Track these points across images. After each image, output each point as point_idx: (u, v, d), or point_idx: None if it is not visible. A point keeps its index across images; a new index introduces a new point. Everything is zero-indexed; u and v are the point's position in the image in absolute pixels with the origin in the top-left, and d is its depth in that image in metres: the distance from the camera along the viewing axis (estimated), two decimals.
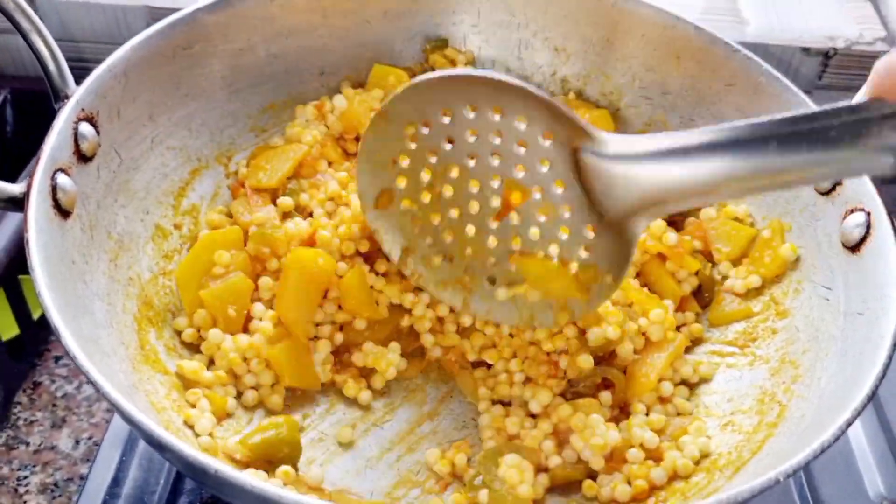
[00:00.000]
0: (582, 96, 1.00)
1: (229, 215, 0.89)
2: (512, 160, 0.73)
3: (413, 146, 0.76)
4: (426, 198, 0.78)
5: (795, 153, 0.56)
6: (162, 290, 0.83)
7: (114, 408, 0.58)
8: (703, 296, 0.88)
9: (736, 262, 0.87)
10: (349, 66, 0.99)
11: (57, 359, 0.98)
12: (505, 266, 0.77)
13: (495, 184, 0.74)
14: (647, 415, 0.79)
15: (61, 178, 0.72)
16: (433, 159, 0.76)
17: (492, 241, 0.77)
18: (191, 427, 0.73)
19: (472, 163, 0.75)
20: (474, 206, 0.76)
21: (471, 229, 0.77)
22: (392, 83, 0.95)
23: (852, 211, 0.77)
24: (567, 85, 1.01)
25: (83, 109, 0.76)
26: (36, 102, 0.91)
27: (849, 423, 0.60)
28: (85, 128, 0.76)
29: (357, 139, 0.95)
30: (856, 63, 1.09)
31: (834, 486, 0.84)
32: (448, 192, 0.77)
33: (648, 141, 0.65)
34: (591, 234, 0.72)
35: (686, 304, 0.87)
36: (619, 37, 0.96)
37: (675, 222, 0.91)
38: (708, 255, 0.89)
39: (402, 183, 0.78)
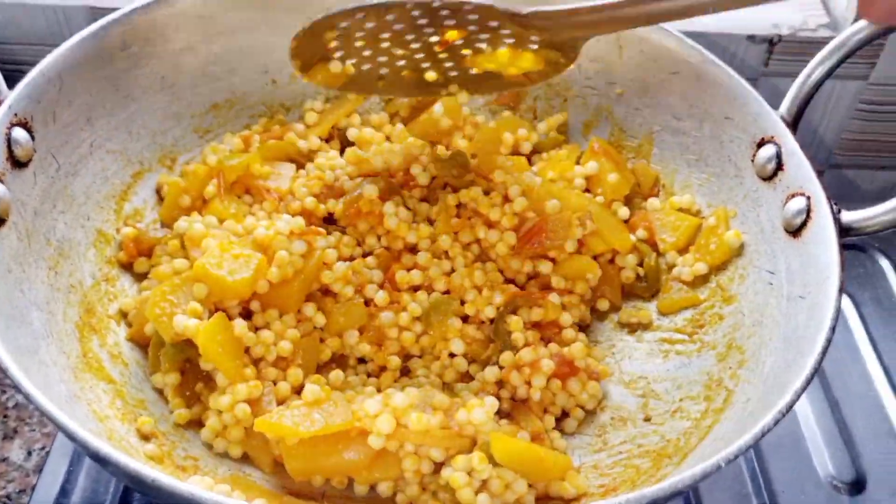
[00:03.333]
0: (527, 89, 1.00)
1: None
2: (439, 21, 0.82)
3: (338, 35, 0.83)
4: (364, 49, 0.85)
5: None
6: (105, 297, 0.81)
7: (49, 419, 0.57)
8: (648, 284, 0.89)
9: (682, 251, 0.88)
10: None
11: None
12: (464, 66, 0.86)
13: (429, 30, 0.82)
14: None
15: None
16: (360, 33, 0.82)
17: (443, 56, 0.85)
18: (145, 437, 0.72)
19: (399, 26, 0.82)
20: (414, 44, 0.84)
21: (419, 55, 0.85)
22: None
23: (793, 196, 0.78)
24: None
25: (16, 114, 0.75)
26: None
27: (789, 407, 0.60)
28: (18, 133, 0.74)
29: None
30: (800, 49, 1.10)
31: (784, 468, 0.86)
32: (385, 44, 0.84)
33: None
34: (536, 41, 0.82)
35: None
36: None
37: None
38: (654, 245, 0.90)
39: (336, 51, 0.85)
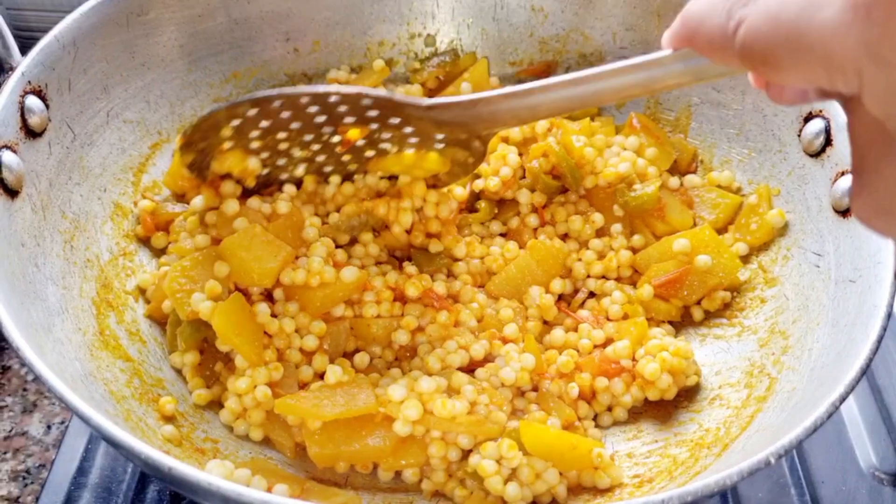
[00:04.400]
0: (561, 58, 0.96)
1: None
2: (338, 118, 0.74)
3: (231, 136, 0.75)
4: (262, 151, 0.77)
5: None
6: (123, 272, 0.79)
7: (61, 401, 0.54)
8: None
9: (721, 231, 0.84)
10: (315, 31, 0.94)
11: None
12: (368, 170, 0.81)
13: (328, 129, 0.75)
14: None
15: (7, 156, 0.68)
16: (255, 133, 0.74)
17: (346, 158, 0.79)
18: (165, 418, 0.70)
19: (296, 125, 0.74)
20: (314, 145, 0.77)
21: (321, 157, 0.78)
22: None
23: (843, 173, 0.74)
24: (545, 47, 0.96)
25: (30, 82, 0.72)
26: None
27: (842, 399, 0.57)
28: (32, 101, 0.72)
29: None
30: None
31: (825, 458, 0.82)
32: (283, 144, 0.76)
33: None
34: (442, 139, 0.75)
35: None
36: None
37: None
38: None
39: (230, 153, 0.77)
